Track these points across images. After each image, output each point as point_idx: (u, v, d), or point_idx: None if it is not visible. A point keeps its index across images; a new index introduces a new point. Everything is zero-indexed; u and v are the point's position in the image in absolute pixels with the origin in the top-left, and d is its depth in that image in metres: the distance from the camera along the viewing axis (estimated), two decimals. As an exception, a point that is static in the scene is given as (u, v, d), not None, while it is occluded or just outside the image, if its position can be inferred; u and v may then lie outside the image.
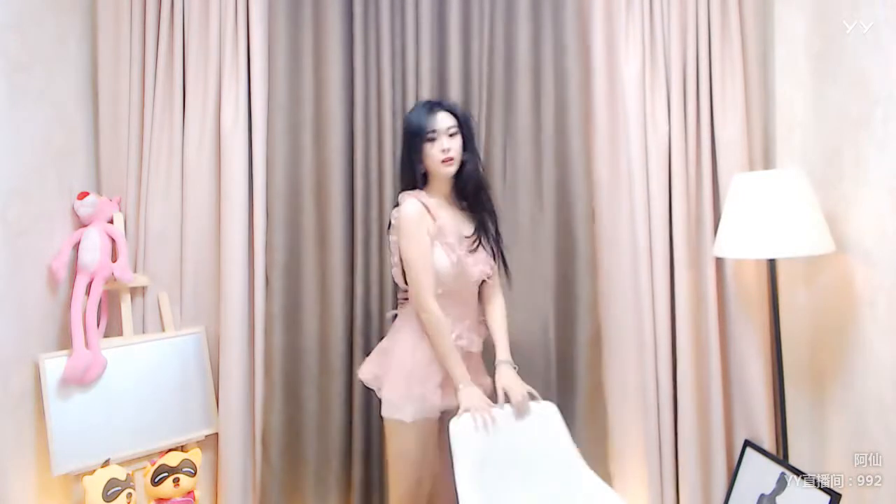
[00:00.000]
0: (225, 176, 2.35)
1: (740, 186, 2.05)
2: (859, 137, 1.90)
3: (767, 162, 2.38)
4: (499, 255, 1.97)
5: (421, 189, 1.87)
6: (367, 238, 2.38)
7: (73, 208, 2.26)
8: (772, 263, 2.09)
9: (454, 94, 2.36)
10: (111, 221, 2.33)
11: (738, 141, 2.30)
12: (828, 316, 2.10)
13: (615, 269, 2.42)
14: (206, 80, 2.38)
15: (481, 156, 2.10)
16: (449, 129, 1.82)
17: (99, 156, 2.42)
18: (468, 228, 1.91)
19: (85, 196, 2.25)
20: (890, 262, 1.78)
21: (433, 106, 1.85)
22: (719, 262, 2.35)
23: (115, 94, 2.39)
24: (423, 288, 1.77)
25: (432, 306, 1.77)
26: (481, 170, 1.95)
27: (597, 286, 2.38)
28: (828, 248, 1.95)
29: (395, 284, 2.07)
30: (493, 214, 1.97)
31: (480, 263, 1.89)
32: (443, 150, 1.80)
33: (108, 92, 2.39)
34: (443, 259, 1.80)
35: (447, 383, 1.81)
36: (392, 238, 1.89)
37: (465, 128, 1.86)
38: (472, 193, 1.91)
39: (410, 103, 2.35)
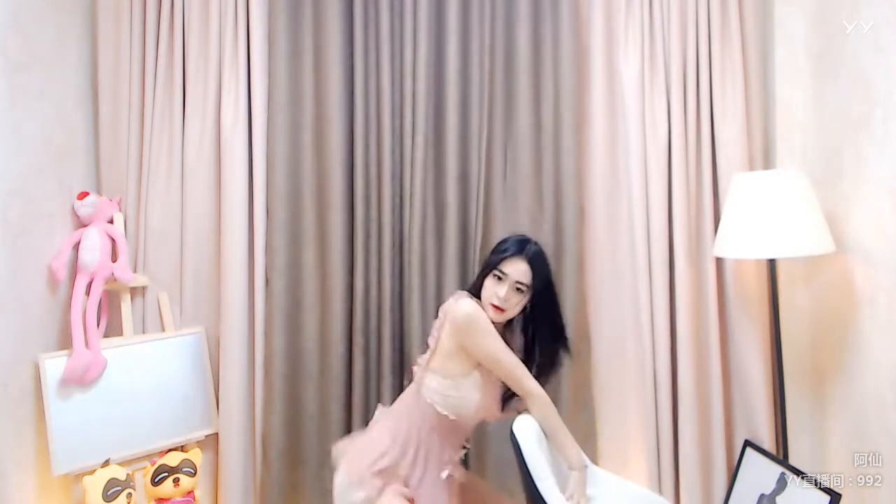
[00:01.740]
0: (225, 176, 2.35)
1: (740, 186, 2.05)
2: (859, 137, 1.90)
3: (767, 162, 2.38)
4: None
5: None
6: (366, 238, 2.38)
7: (73, 208, 2.26)
8: (772, 263, 2.09)
9: (453, 95, 2.37)
10: (111, 221, 2.33)
11: (738, 141, 2.30)
12: (828, 316, 2.10)
13: (615, 269, 2.42)
14: (206, 80, 2.39)
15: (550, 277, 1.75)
16: (517, 283, 1.67)
17: (99, 156, 2.42)
18: None
19: (85, 196, 2.25)
20: (890, 262, 1.78)
21: (524, 247, 1.70)
22: (719, 262, 2.35)
23: (115, 94, 2.40)
24: (525, 374, 1.67)
25: (538, 388, 1.67)
26: (562, 342, 1.79)
27: (583, 285, 2.39)
28: (828, 248, 1.95)
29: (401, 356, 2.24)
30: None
31: (496, 405, 1.77)
32: (497, 297, 1.67)
33: (108, 92, 2.39)
34: (474, 395, 1.68)
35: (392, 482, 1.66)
36: (435, 335, 1.74)
37: (538, 291, 1.70)
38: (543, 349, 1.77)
39: (409, 103, 2.36)
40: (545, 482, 1.55)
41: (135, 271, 2.37)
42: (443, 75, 2.40)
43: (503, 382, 1.74)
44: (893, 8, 1.75)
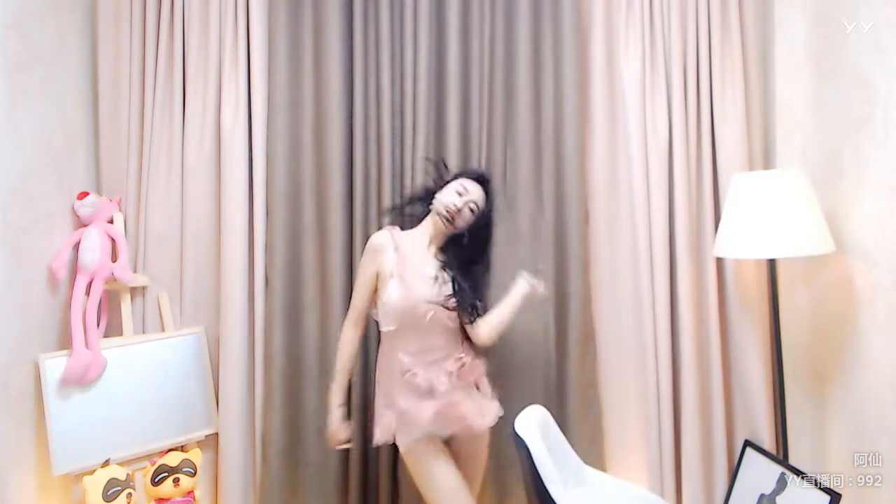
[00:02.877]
0: (225, 176, 2.35)
1: (740, 186, 2.05)
2: (859, 137, 1.90)
3: (767, 162, 2.39)
4: (474, 305, 1.90)
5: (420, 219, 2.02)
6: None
7: (73, 208, 2.26)
8: (772, 263, 2.09)
9: (453, 95, 2.36)
10: (111, 221, 2.33)
11: (738, 141, 2.30)
12: (828, 316, 2.10)
13: (615, 270, 2.41)
14: (206, 80, 2.39)
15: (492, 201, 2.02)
16: (475, 202, 1.91)
17: (99, 156, 2.42)
18: (434, 268, 1.90)
19: (85, 196, 2.25)
20: (890, 262, 1.78)
21: (481, 178, 1.99)
22: (719, 262, 2.35)
23: (115, 94, 2.39)
24: (350, 311, 1.99)
25: (345, 330, 1.99)
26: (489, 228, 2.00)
27: (588, 286, 2.38)
28: (828, 248, 1.95)
29: None
30: (483, 269, 2.00)
31: (428, 292, 1.85)
32: (455, 204, 1.88)
33: (108, 92, 2.39)
34: (394, 292, 1.82)
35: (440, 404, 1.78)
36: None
37: (481, 221, 1.94)
38: (470, 242, 1.94)
39: (409, 103, 2.36)
40: (556, 485, 1.54)
41: (135, 271, 2.37)
42: (443, 75, 2.40)
43: (431, 283, 1.86)
44: (893, 8, 1.76)
